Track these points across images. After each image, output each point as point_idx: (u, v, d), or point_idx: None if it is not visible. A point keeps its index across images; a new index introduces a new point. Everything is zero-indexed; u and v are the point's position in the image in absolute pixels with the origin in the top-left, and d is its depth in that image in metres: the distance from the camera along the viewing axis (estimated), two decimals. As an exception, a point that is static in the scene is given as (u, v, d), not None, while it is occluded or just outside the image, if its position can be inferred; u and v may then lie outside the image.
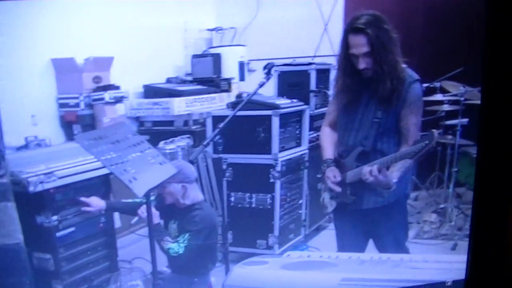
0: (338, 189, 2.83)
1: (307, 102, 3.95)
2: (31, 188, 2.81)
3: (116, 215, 3.30)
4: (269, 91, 3.93)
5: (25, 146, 3.33)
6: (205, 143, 3.12)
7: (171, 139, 3.72)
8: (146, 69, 4.14)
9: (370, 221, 2.84)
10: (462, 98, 3.67)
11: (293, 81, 4.08)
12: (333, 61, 3.77)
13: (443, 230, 3.86)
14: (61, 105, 3.74)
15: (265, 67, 3.29)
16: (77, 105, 3.72)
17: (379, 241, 2.89)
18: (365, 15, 2.63)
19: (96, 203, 3.04)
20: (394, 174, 2.67)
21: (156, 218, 2.94)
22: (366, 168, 2.67)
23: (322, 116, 3.23)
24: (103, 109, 3.78)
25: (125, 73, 3.92)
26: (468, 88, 3.60)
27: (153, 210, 2.84)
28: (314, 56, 4.18)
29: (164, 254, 2.96)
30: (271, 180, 3.62)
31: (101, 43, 3.73)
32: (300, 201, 3.92)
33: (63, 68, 3.67)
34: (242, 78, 4.51)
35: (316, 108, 4.02)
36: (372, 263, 2.72)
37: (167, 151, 3.60)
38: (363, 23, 2.61)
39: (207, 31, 4.62)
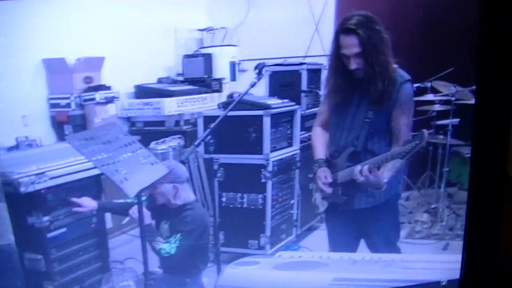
0: (329, 189, 2.84)
1: (298, 102, 3.95)
2: (22, 189, 2.80)
3: (108, 215, 3.29)
4: (261, 91, 3.93)
5: (16, 147, 3.32)
6: (196, 143, 3.12)
7: (162, 140, 3.71)
8: (137, 69, 4.13)
9: (361, 221, 2.86)
10: (453, 98, 3.68)
11: (284, 81, 4.08)
12: (324, 61, 3.77)
13: (434, 230, 3.87)
14: (52, 105, 3.73)
15: (256, 67, 3.30)
16: (68, 105, 3.71)
17: (370, 241, 2.91)
18: (356, 16, 2.64)
19: (87, 203, 3.03)
20: (385, 174, 2.69)
21: (148, 219, 2.94)
22: (357, 168, 2.69)
23: (313, 116, 3.24)
24: (94, 109, 3.77)
25: (116, 74, 3.90)
26: (459, 88, 3.61)
27: (145, 210, 2.84)
28: (305, 56, 4.17)
29: (155, 254, 2.96)
30: (263, 180, 3.62)
31: (92, 43, 3.72)
32: (292, 201, 3.92)
33: (54, 68, 3.66)
34: (233, 78, 4.51)
35: (307, 108, 4.02)
36: (364, 263, 2.73)
37: (159, 151, 3.59)
38: (354, 23, 2.62)
39: (198, 31, 4.62)
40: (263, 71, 3.32)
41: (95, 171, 2.96)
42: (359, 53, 2.63)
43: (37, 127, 3.60)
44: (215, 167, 3.62)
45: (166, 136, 3.78)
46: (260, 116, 3.57)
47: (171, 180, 2.99)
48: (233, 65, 4.50)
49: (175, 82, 4.41)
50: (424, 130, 2.55)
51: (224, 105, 3.61)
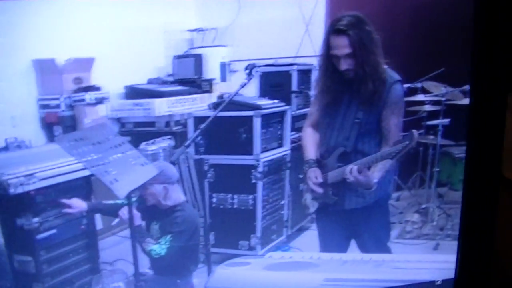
0: (319, 190, 2.84)
1: (289, 103, 3.96)
2: (11, 190, 2.78)
3: (98, 216, 3.28)
4: (252, 91, 3.93)
5: (5, 148, 3.30)
6: (186, 144, 3.13)
7: (152, 140, 3.71)
8: (128, 70, 4.11)
9: (352, 221, 2.86)
10: (444, 99, 3.69)
11: (274, 81, 4.08)
12: (314, 62, 3.78)
13: (425, 230, 3.88)
14: (42, 106, 3.71)
15: (246, 68, 3.30)
16: (58, 106, 3.69)
17: (361, 241, 2.91)
18: (347, 17, 2.65)
19: (77, 204, 3.02)
20: (375, 174, 2.70)
21: (138, 220, 2.93)
22: (347, 169, 2.70)
23: (304, 116, 3.24)
24: (84, 110, 3.76)
25: (107, 74, 3.89)
26: (450, 89, 3.62)
27: (135, 211, 2.84)
28: (296, 57, 4.17)
29: (146, 255, 2.96)
30: (253, 181, 3.62)
31: (82, 44, 3.70)
32: (282, 202, 3.92)
33: (44, 69, 3.64)
34: (223, 78, 4.50)
35: (298, 109, 4.02)
36: (355, 263, 2.73)
37: (149, 152, 3.58)
38: (344, 24, 2.63)
39: (188, 32, 4.61)
40: (254, 72, 3.32)
41: (85, 172, 2.94)
42: (350, 53, 2.64)
43: (26, 128, 3.58)
44: (206, 167, 3.62)
45: (157, 137, 3.77)
46: (251, 117, 3.58)
47: (162, 181, 2.98)
48: (223, 65, 4.49)
49: (165, 82, 4.39)
50: (414, 131, 2.56)
51: (215, 106, 3.60)
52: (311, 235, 3.30)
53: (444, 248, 3.59)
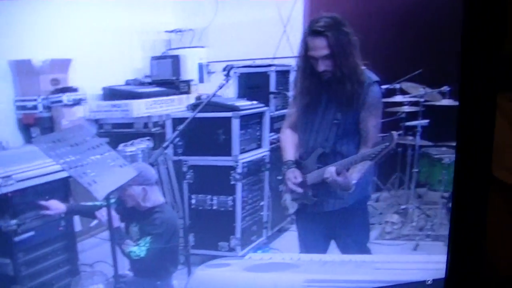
0: (299, 190, 2.85)
1: (267, 104, 3.96)
2: (-12, 192, 2.77)
3: (77, 218, 3.26)
4: (231, 93, 3.94)
5: (-18, 150, 3.28)
6: (164, 145, 3.12)
7: (131, 142, 3.69)
8: (105, 71, 4.09)
9: (331, 222, 2.87)
10: (422, 100, 3.72)
11: (253, 82, 4.08)
12: (293, 63, 3.79)
13: (405, 231, 3.90)
14: (19, 108, 3.68)
15: (224, 69, 3.30)
16: (35, 107, 3.66)
17: (341, 242, 2.92)
18: (325, 18, 2.66)
19: (55, 206, 3.00)
20: (354, 175, 2.71)
21: (116, 222, 2.92)
22: (326, 170, 2.70)
23: (282, 117, 3.25)
24: (62, 111, 3.73)
25: (84, 75, 3.87)
26: (428, 90, 3.65)
27: (113, 213, 2.83)
28: (274, 58, 4.18)
29: (125, 257, 2.94)
30: (232, 182, 3.61)
31: (59, 45, 3.68)
32: (262, 203, 3.92)
33: (20, 70, 3.62)
34: (201, 80, 4.49)
35: (276, 110, 4.03)
36: (334, 264, 2.74)
37: (127, 153, 3.57)
38: (322, 25, 2.64)
39: (166, 33, 4.60)
40: (232, 73, 3.33)
41: (63, 174, 2.92)
42: (327, 55, 2.65)
43: (3, 129, 3.55)
44: (184, 169, 3.61)
45: (135, 138, 3.76)
46: (229, 118, 3.57)
47: (140, 183, 2.98)
48: (201, 67, 4.49)
49: (143, 84, 4.38)
50: (394, 132, 2.57)
51: (193, 107, 3.59)
52: (291, 236, 3.31)
53: (424, 248, 3.62)
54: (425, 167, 4.07)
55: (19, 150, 3.48)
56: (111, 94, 4.10)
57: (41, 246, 3.01)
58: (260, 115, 3.86)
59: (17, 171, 2.91)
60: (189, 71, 4.45)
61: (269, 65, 4.09)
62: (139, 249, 2.93)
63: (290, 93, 3.91)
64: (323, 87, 2.74)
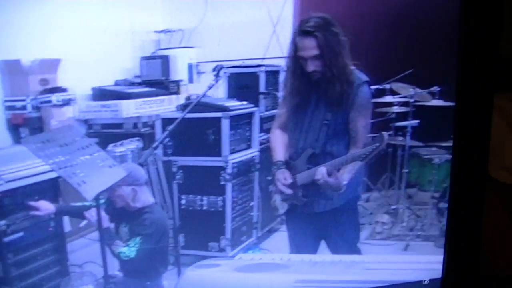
0: (288, 191, 2.85)
1: (257, 104, 3.96)
2: (-23, 193, 2.75)
3: (66, 219, 3.25)
4: (220, 93, 3.94)
5: (-30, 150, 3.26)
6: (154, 145, 3.12)
7: (120, 142, 3.68)
8: (95, 71, 4.08)
9: (321, 223, 2.87)
10: (412, 100, 3.72)
11: (242, 83, 4.09)
12: (282, 63, 3.79)
13: (395, 231, 3.91)
14: (8, 108, 3.66)
15: (214, 69, 3.30)
16: (24, 107, 3.65)
17: (331, 242, 2.92)
18: (314, 18, 2.65)
19: (45, 207, 2.98)
20: (344, 176, 2.71)
21: (106, 222, 2.91)
22: (316, 170, 2.70)
23: (272, 118, 3.26)
24: (51, 111, 3.72)
25: (73, 76, 3.85)
26: (418, 90, 3.65)
27: (103, 213, 2.82)
28: (264, 58, 4.18)
29: (115, 258, 2.94)
30: (222, 183, 3.61)
31: (48, 45, 3.67)
32: (252, 203, 3.92)
33: (9, 70, 3.60)
34: (191, 80, 4.49)
35: (266, 110, 4.03)
36: (325, 264, 2.74)
37: (117, 154, 3.56)
38: (312, 26, 2.64)
39: (155, 33, 4.59)
40: (221, 73, 3.33)
41: (53, 174, 2.91)
42: (317, 55, 2.65)
43: (-9, 130, 3.54)
44: (174, 169, 3.61)
45: (124, 139, 3.75)
46: (219, 118, 3.57)
47: (130, 183, 2.97)
48: (191, 67, 4.48)
49: (132, 84, 4.37)
50: (384, 133, 2.58)
51: (183, 107, 3.59)
52: (281, 237, 3.31)
53: (414, 248, 3.63)
54: (415, 167, 4.08)
55: (8, 150, 3.47)
56: (101, 94, 4.09)
57: (30, 246, 3.00)
58: (250, 115, 3.86)
59: (6, 172, 2.89)
60: (179, 71, 4.44)
61: (259, 66, 4.09)
62: (129, 250, 2.92)
63: (280, 94, 3.91)
64: (313, 87, 2.74)
